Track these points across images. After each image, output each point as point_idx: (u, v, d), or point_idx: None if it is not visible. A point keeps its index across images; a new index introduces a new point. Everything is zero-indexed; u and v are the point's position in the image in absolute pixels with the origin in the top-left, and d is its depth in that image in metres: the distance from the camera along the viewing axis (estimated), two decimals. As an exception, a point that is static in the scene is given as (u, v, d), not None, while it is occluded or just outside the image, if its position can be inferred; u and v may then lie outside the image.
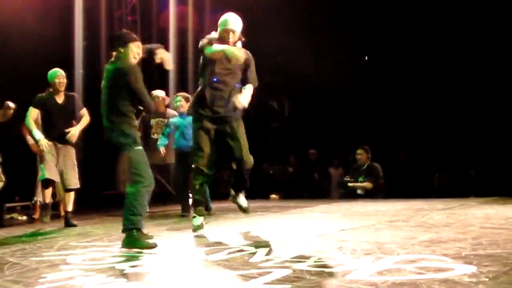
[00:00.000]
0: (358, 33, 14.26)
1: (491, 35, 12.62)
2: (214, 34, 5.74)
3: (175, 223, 7.18)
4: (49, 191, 7.49)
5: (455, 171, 12.48)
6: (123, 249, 4.84)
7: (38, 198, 9.09)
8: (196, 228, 5.60)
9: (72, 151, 7.40)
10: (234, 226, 6.52)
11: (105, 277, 3.67)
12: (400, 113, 14.42)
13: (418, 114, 14.22)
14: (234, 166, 5.90)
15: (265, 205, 8.59)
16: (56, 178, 7.32)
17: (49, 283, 3.58)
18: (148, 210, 6.84)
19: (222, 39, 5.62)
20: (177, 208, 9.23)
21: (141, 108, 5.17)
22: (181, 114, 8.17)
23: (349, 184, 10.52)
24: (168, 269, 3.91)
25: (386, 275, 3.24)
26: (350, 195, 10.46)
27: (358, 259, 3.73)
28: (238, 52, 5.44)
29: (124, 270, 3.91)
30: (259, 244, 4.82)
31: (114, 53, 5.16)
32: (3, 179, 8.19)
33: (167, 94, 9.32)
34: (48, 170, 7.27)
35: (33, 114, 7.34)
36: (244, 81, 5.72)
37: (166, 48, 6.36)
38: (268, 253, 4.25)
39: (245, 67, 5.70)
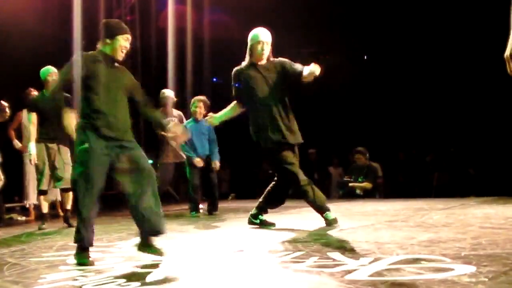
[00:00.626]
0: (357, 33, 14.26)
1: (490, 33, 12.61)
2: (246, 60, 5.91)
3: (175, 223, 7.18)
4: (46, 201, 7.52)
5: (455, 170, 12.48)
6: (123, 250, 4.83)
7: (28, 201, 9.12)
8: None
9: (66, 150, 7.40)
10: (233, 226, 6.54)
11: (104, 278, 3.66)
12: (399, 112, 14.42)
13: (418, 113, 14.22)
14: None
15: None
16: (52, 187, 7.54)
17: (49, 283, 3.58)
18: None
19: (255, 52, 5.79)
20: (178, 209, 9.27)
21: None
22: (196, 120, 8.17)
23: (350, 184, 10.53)
24: (167, 269, 3.90)
25: (386, 275, 3.24)
26: (349, 195, 10.48)
27: (357, 259, 3.73)
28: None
29: (124, 270, 3.91)
30: (258, 244, 4.82)
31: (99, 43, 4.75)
32: (2, 178, 8.19)
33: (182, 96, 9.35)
34: (46, 182, 7.37)
35: (34, 119, 7.33)
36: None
37: (165, 47, 6.37)
38: (266, 253, 4.25)
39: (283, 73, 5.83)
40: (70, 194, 7.38)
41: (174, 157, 8.70)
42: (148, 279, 3.60)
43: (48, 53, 9.87)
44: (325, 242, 4.65)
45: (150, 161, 12.62)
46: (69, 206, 7.39)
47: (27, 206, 9.28)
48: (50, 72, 7.32)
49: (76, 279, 3.67)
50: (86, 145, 4.32)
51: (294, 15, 12.77)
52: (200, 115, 8.11)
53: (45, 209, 7.49)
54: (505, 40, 3.35)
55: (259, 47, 5.78)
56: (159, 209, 4.49)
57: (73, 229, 6.73)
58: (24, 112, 9.09)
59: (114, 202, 9.49)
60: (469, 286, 2.87)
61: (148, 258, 4.36)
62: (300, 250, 4.29)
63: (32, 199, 9.10)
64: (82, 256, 4.30)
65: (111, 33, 4.68)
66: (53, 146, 7.28)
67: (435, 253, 3.82)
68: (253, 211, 6.11)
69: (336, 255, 3.96)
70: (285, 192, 6.04)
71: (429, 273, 3.21)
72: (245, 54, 5.95)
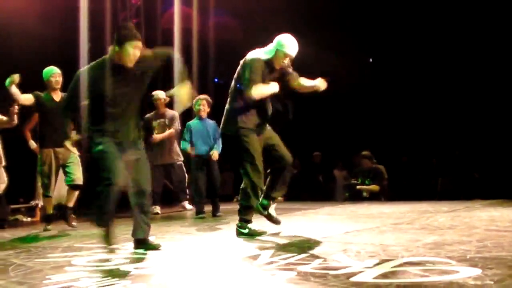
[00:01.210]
0: (362, 35, 14.25)
1: (495, 37, 12.60)
2: (263, 54, 5.72)
3: (180, 225, 7.19)
4: (51, 203, 7.47)
5: (459, 174, 12.44)
6: (128, 251, 4.84)
7: (37, 201, 9.13)
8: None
9: (74, 151, 7.37)
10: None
11: (110, 279, 3.67)
12: (404, 115, 14.40)
13: (422, 116, 14.20)
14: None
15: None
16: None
17: (54, 284, 3.59)
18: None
19: (278, 60, 5.66)
20: (181, 210, 9.27)
21: None
22: (200, 118, 8.15)
23: (357, 187, 10.51)
24: (173, 270, 3.91)
25: (391, 277, 3.24)
26: (355, 197, 10.48)
27: (362, 262, 3.73)
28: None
29: (129, 271, 3.92)
30: (263, 246, 4.82)
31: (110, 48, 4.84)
32: (6, 181, 8.23)
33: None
34: (52, 187, 7.35)
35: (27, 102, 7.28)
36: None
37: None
38: (272, 255, 4.25)
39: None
40: (76, 193, 7.38)
41: (163, 159, 8.72)
42: (154, 280, 3.60)
43: (53, 55, 9.90)
44: (330, 244, 4.65)
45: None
46: (71, 204, 7.36)
47: (36, 205, 9.25)
48: (54, 73, 7.29)
49: (81, 280, 3.68)
50: (101, 147, 4.43)
51: (298, 17, 12.78)
52: (204, 113, 8.12)
53: (50, 210, 7.44)
54: (507, 45, 3.35)
55: (286, 60, 5.70)
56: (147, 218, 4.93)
57: (78, 231, 6.83)
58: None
59: (120, 203, 9.50)
60: (474, 288, 2.87)
61: (153, 260, 4.37)
62: (305, 252, 4.29)
63: (40, 199, 9.10)
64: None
65: (120, 40, 4.71)
66: (61, 150, 7.21)
67: (440, 255, 3.81)
68: (263, 201, 5.83)
69: (341, 257, 3.96)
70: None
71: (435, 275, 3.21)
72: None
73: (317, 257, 4.04)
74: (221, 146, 7.94)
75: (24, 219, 9.18)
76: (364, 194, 10.43)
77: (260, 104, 5.63)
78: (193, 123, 8.19)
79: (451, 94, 13.65)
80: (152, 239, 5.09)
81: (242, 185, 5.63)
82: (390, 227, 5.70)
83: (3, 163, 8.26)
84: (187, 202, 9.38)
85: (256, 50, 5.73)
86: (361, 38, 14.35)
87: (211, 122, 8.18)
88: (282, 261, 3.95)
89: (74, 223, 7.30)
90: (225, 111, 5.76)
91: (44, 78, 7.32)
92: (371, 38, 14.47)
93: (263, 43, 5.86)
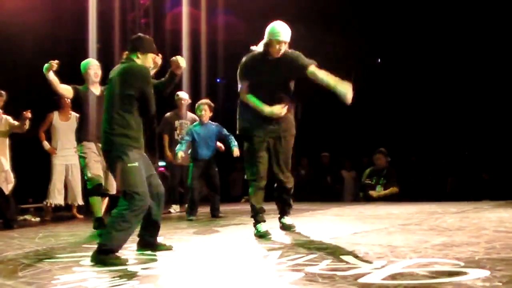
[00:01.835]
0: (370, 36, 14.23)
1: (506, 36, 12.56)
2: (257, 47, 5.78)
3: (188, 225, 7.19)
4: (100, 203, 7.02)
5: (468, 174, 12.41)
6: (136, 251, 4.85)
7: (51, 200, 9.15)
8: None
9: None
10: (246, 229, 6.52)
11: (117, 279, 3.68)
12: (412, 116, 14.37)
13: (431, 117, 14.16)
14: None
15: (275, 208, 8.60)
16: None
17: (62, 284, 3.60)
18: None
19: (273, 49, 5.61)
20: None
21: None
22: (202, 123, 8.10)
23: (375, 196, 10.40)
24: (180, 271, 3.91)
25: (399, 279, 3.23)
26: (368, 198, 10.44)
27: (370, 263, 3.72)
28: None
29: (136, 272, 3.93)
30: (271, 247, 4.82)
31: (126, 54, 4.88)
32: (13, 181, 8.27)
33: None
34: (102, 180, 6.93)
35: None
36: None
37: (179, 49, 6.43)
38: (280, 256, 4.25)
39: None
40: (105, 200, 7.36)
41: (183, 160, 8.68)
42: (161, 281, 3.61)
43: (63, 56, 9.93)
44: (338, 245, 4.64)
45: (163, 163, 12.69)
46: (100, 214, 6.89)
47: (48, 205, 9.26)
48: (92, 65, 7.07)
49: (89, 281, 3.69)
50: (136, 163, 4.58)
51: (306, 18, 12.78)
52: (206, 118, 8.06)
53: (99, 212, 6.84)
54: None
55: (278, 46, 5.59)
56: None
57: (86, 231, 6.84)
58: (55, 114, 9.16)
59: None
60: (483, 290, 2.86)
61: (161, 261, 4.37)
62: (313, 253, 4.29)
63: (57, 199, 9.11)
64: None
65: (145, 49, 4.86)
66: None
67: (448, 257, 3.80)
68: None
69: (349, 258, 3.96)
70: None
71: (443, 277, 3.20)
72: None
73: (325, 258, 4.03)
74: (233, 138, 7.90)
75: (33, 219, 9.20)
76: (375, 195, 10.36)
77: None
78: (195, 128, 8.14)
79: (461, 95, 13.61)
80: (160, 239, 5.10)
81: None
82: (398, 228, 5.68)
83: (9, 165, 8.31)
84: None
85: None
86: (370, 39, 14.32)
87: (213, 126, 8.12)
88: (290, 262, 3.95)
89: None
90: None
91: (82, 71, 7.07)
92: (380, 39, 14.45)
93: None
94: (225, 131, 8.07)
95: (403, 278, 3.23)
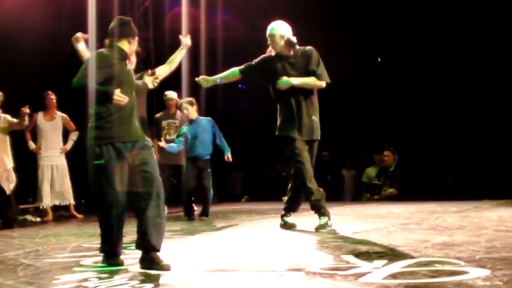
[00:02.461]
0: (370, 35, 14.23)
1: (508, 35, 12.55)
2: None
3: (188, 225, 7.19)
4: None
5: (469, 173, 12.39)
6: (136, 251, 4.84)
7: (42, 203, 9.15)
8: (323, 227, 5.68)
9: None
10: (246, 228, 6.54)
11: (118, 279, 3.68)
12: (412, 114, 14.36)
13: (431, 115, 14.16)
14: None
15: (277, 207, 8.60)
16: None
17: (62, 284, 3.60)
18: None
19: (282, 49, 5.88)
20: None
21: None
22: (191, 121, 7.91)
23: (375, 197, 10.39)
24: (181, 271, 3.91)
25: (399, 278, 3.23)
26: (371, 198, 10.44)
27: (371, 262, 3.72)
28: None
29: (137, 272, 3.92)
30: (272, 246, 4.82)
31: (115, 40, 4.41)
32: (15, 180, 8.26)
33: (179, 95, 9.28)
34: None
35: None
36: None
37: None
38: (280, 256, 4.24)
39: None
40: None
41: (172, 160, 8.61)
42: (162, 281, 3.61)
43: (61, 55, 9.95)
44: (339, 245, 4.64)
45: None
46: None
47: (42, 208, 9.29)
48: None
49: (90, 281, 3.68)
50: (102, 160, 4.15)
51: (306, 17, 12.77)
52: (193, 115, 7.85)
53: None
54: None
55: (269, 40, 5.91)
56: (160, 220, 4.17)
57: (87, 231, 6.84)
58: (40, 114, 9.15)
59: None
60: (483, 289, 2.86)
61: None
62: (313, 252, 4.28)
63: (47, 200, 9.12)
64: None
65: (134, 33, 4.47)
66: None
67: (449, 256, 3.80)
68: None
69: (349, 257, 3.96)
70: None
71: (443, 276, 3.20)
72: (252, 55, 6.04)
73: (326, 257, 4.04)
74: (226, 143, 7.88)
75: (33, 219, 9.21)
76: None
77: None
78: (186, 129, 7.92)
79: (461, 93, 13.60)
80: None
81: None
82: (398, 227, 5.68)
83: (12, 164, 8.30)
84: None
85: None
86: (370, 38, 14.32)
87: (204, 121, 7.95)
88: (291, 261, 3.95)
89: None
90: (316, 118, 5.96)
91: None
92: (380, 38, 14.45)
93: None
94: (216, 129, 7.92)
95: (403, 278, 3.23)
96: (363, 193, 11.80)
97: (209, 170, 7.95)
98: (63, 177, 9.13)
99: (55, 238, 6.22)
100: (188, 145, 7.87)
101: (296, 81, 5.73)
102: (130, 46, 4.41)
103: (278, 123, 5.98)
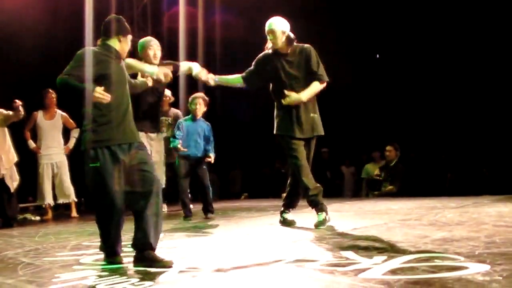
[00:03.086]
0: (369, 31, 14.22)
1: (507, 32, 12.55)
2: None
3: (187, 223, 7.19)
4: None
5: (468, 170, 12.39)
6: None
7: (43, 201, 9.14)
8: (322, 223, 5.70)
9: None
10: (246, 225, 6.54)
11: (118, 277, 3.68)
12: (412, 111, 14.37)
13: (430, 112, 14.16)
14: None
15: (277, 204, 8.61)
16: None
17: (62, 283, 3.60)
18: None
19: (282, 44, 5.90)
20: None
21: None
22: (194, 119, 7.77)
23: (375, 193, 10.40)
24: (180, 269, 3.91)
25: (399, 274, 3.23)
26: (372, 194, 10.45)
27: (370, 258, 3.72)
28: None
29: (137, 270, 3.92)
30: (271, 243, 4.82)
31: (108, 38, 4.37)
32: (18, 178, 8.25)
33: (177, 94, 9.24)
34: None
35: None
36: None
37: (176, 49, 6.42)
38: (280, 252, 4.25)
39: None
40: None
41: (168, 157, 8.54)
42: (161, 279, 3.61)
43: (60, 53, 9.95)
44: (338, 241, 4.65)
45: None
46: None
47: (44, 206, 9.28)
48: (151, 44, 6.58)
49: (90, 279, 3.69)
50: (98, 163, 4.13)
51: (304, 14, 12.77)
52: (199, 113, 7.71)
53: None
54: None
55: (268, 37, 5.96)
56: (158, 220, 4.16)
57: (86, 229, 6.84)
58: (39, 113, 9.14)
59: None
60: (483, 284, 2.86)
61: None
62: (313, 248, 4.29)
63: (48, 199, 9.12)
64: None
65: (126, 31, 4.43)
66: (153, 136, 6.91)
67: (448, 251, 3.80)
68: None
69: (349, 254, 3.96)
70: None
71: (443, 271, 3.20)
72: (250, 54, 6.06)
73: (325, 253, 4.04)
74: (213, 147, 7.77)
75: (33, 218, 9.21)
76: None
77: None
78: (186, 122, 7.79)
79: (460, 90, 13.60)
80: (161, 236, 5.09)
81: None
82: (398, 223, 5.69)
83: (15, 159, 8.27)
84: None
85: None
86: (368, 34, 14.32)
87: (205, 124, 7.82)
88: (290, 258, 3.95)
89: None
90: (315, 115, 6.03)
91: (140, 51, 6.62)
92: (378, 34, 14.44)
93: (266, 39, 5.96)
94: (211, 135, 7.78)
95: (403, 273, 3.23)
96: (363, 189, 11.82)
97: (204, 167, 7.82)
98: (63, 174, 9.13)
99: (55, 237, 6.22)
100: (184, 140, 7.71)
101: (305, 97, 5.78)
102: (121, 44, 4.39)
103: (276, 121, 5.98)
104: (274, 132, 6.00)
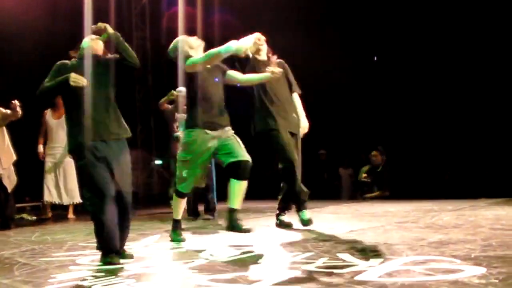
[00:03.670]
0: (366, 33, 14.23)
1: (505, 33, 12.57)
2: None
3: (183, 223, 7.17)
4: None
5: (465, 172, 12.41)
6: (132, 250, 4.84)
7: (45, 198, 9.12)
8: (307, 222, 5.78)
9: None
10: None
11: (114, 278, 3.67)
12: (409, 113, 14.37)
13: (428, 114, 14.16)
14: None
15: (274, 206, 8.60)
16: None
17: (58, 283, 3.59)
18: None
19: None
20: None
21: None
22: None
23: (367, 196, 10.43)
24: (176, 269, 3.90)
25: (395, 276, 3.23)
26: (364, 197, 10.47)
27: (367, 260, 3.73)
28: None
29: (133, 270, 3.92)
30: (268, 245, 4.82)
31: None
32: (15, 178, 8.24)
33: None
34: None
35: None
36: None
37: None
38: (276, 254, 4.25)
39: None
40: None
41: None
42: (158, 279, 3.61)
43: (59, 53, 9.92)
44: (335, 243, 4.65)
45: (159, 162, 12.60)
46: None
47: (45, 203, 9.25)
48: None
49: (86, 279, 3.68)
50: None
51: (302, 15, 12.77)
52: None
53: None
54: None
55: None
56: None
57: (83, 230, 6.83)
58: (48, 112, 9.13)
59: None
60: (479, 287, 2.86)
61: (158, 259, 4.37)
62: (310, 251, 4.29)
63: (51, 197, 9.08)
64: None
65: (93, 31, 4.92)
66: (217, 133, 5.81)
67: (445, 254, 3.81)
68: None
69: (345, 256, 3.96)
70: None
71: (439, 274, 3.20)
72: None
73: (322, 255, 4.04)
74: None
75: (29, 218, 9.20)
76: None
77: None
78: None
79: (457, 92, 13.60)
80: (157, 238, 5.10)
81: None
82: (395, 226, 5.69)
83: (14, 157, 8.24)
84: None
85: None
86: (366, 36, 14.32)
87: None
88: (287, 260, 3.95)
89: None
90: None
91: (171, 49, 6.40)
92: (376, 36, 14.44)
93: (269, 42, 5.96)
94: None
95: (399, 276, 3.23)
96: (357, 191, 11.86)
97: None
98: (69, 174, 9.09)
99: (51, 237, 6.21)
100: None
101: (305, 121, 6.30)
102: (90, 43, 4.83)
103: (259, 120, 6.04)
104: (256, 131, 6.29)
